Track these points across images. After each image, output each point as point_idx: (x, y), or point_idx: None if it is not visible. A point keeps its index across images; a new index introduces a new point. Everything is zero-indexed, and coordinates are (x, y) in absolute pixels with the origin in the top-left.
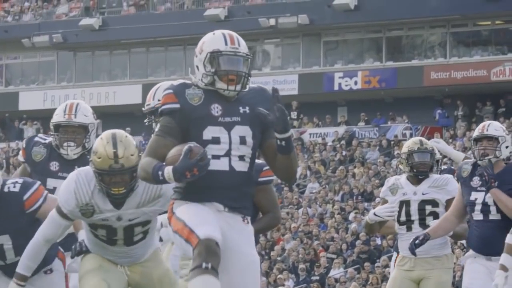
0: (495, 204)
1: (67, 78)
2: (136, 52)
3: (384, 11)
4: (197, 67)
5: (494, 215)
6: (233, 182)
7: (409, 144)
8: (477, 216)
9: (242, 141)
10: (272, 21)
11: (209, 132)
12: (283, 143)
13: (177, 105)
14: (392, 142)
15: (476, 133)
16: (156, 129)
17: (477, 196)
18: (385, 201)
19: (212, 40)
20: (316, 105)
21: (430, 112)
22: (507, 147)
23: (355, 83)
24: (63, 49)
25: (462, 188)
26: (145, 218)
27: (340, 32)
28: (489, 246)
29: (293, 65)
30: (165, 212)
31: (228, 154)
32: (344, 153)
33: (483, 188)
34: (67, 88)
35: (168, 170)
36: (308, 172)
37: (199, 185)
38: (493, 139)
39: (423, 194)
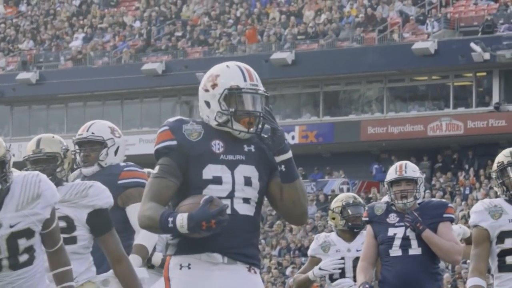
0: (416, 238)
1: (4, 132)
2: (73, 106)
3: (321, 66)
4: (206, 103)
5: (414, 250)
6: (235, 227)
7: (342, 198)
8: (395, 252)
9: (247, 182)
10: None
11: (210, 171)
12: (283, 167)
13: (174, 142)
14: (329, 197)
15: (392, 175)
16: (154, 171)
17: (396, 231)
18: (314, 260)
19: (229, 74)
20: None
21: (367, 167)
22: (422, 188)
23: (293, 137)
24: (0, 103)
25: (376, 227)
26: (28, 223)
27: (277, 87)
28: (409, 284)
29: None
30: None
31: (231, 195)
32: None
33: (402, 224)
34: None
35: (182, 217)
36: None
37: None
38: (412, 181)
39: (357, 250)
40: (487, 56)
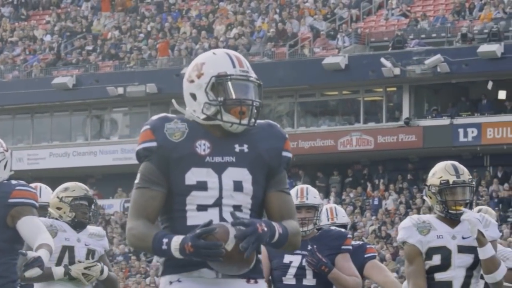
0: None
1: None
2: None
3: None
4: (192, 95)
5: (309, 280)
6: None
7: None
8: (289, 280)
9: (237, 187)
10: (120, 90)
11: (193, 176)
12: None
13: (154, 144)
14: None
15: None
16: (136, 181)
17: (293, 259)
18: None
19: (215, 61)
20: None
21: None
22: (322, 214)
23: None
24: None
25: (271, 250)
26: None
27: None
28: None
29: None
30: None
31: (218, 203)
32: None
33: (299, 252)
34: None
35: (178, 239)
36: None
37: None
38: (313, 208)
39: None
40: (397, 71)
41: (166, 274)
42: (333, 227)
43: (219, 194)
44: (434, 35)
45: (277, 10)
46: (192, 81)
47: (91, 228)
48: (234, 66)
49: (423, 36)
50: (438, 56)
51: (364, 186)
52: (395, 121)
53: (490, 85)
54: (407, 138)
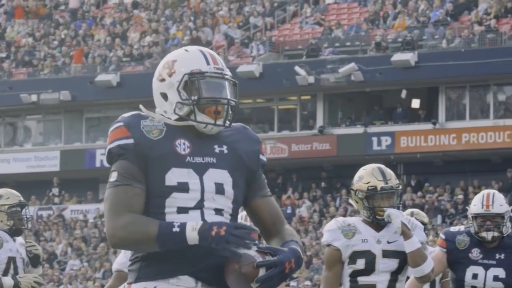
0: None
1: None
2: None
3: (146, 88)
4: (163, 95)
5: None
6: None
7: None
8: None
9: (219, 189)
10: (34, 97)
11: (174, 176)
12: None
13: (131, 140)
14: None
15: None
16: (112, 179)
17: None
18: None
19: (187, 58)
20: (77, 181)
21: None
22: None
23: None
24: None
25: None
26: None
27: (102, 109)
28: None
29: (54, 141)
30: None
31: (199, 206)
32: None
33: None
34: None
35: (197, 221)
36: (69, 249)
37: (160, 253)
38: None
39: None
40: (311, 79)
41: (140, 281)
42: None
43: (201, 197)
44: (348, 43)
45: (192, 18)
46: (162, 80)
47: (18, 237)
48: (208, 63)
49: (337, 44)
50: (352, 64)
51: (279, 194)
52: (309, 130)
53: (404, 93)
54: (321, 146)
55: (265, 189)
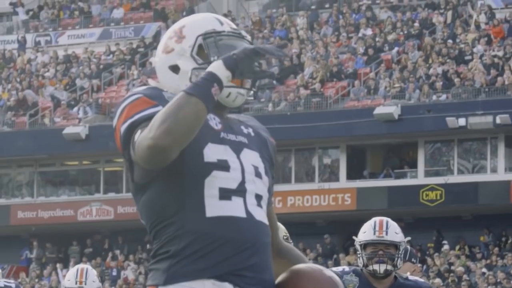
0: None
1: None
2: None
3: None
4: (172, 68)
5: None
6: (255, 238)
7: None
8: None
9: (257, 172)
10: None
11: (212, 152)
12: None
13: (160, 108)
14: None
15: None
16: (141, 131)
17: None
18: None
19: (197, 21)
20: None
21: (17, 251)
22: None
23: None
24: None
25: None
26: None
27: None
28: None
29: None
30: None
31: (241, 189)
32: None
33: None
34: None
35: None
36: None
37: (196, 249)
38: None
39: None
40: None
41: (168, 284)
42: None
43: (242, 178)
44: None
45: (18, 79)
46: (170, 51)
47: None
48: (222, 24)
49: None
50: None
51: (104, 257)
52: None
53: None
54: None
55: (272, 195)
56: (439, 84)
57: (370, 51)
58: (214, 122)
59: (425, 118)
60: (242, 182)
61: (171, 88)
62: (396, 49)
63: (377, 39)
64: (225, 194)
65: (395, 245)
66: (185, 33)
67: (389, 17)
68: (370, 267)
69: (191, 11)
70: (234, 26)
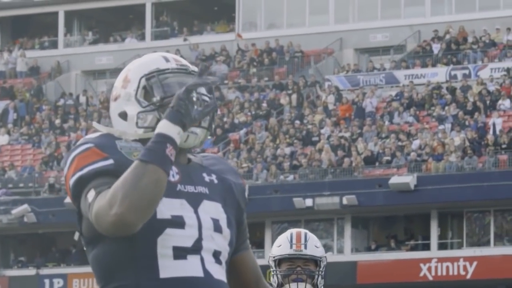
0: None
1: None
2: None
3: None
4: (122, 115)
5: None
6: None
7: None
8: None
9: (216, 226)
10: None
11: (166, 208)
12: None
13: (110, 161)
14: None
15: None
16: (90, 199)
17: None
18: None
19: (142, 63)
20: None
21: None
22: None
23: None
24: None
25: None
26: None
27: None
28: None
29: None
30: None
31: (198, 247)
32: None
33: None
34: None
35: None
36: None
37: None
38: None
39: None
40: None
41: None
42: None
43: (199, 234)
44: (21, 185)
45: None
46: (118, 97)
47: None
48: (167, 61)
49: (10, 185)
50: (25, 206)
51: None
52: None
53: (77, 235)
54: None
55: (247, 239)
56: (286, 165)
57: (219, 131)
58: (171, 173)
59: (272, 198)
60: (199, 239)
61: (125, 135)
62: (244, 129)
63: (225, 119)
64: (179, 253)
65: (315, 261)
66: (130, 77)
67: (237, 97)
68: (287, 286)
69: (39, 90)
70: (184, 62)
